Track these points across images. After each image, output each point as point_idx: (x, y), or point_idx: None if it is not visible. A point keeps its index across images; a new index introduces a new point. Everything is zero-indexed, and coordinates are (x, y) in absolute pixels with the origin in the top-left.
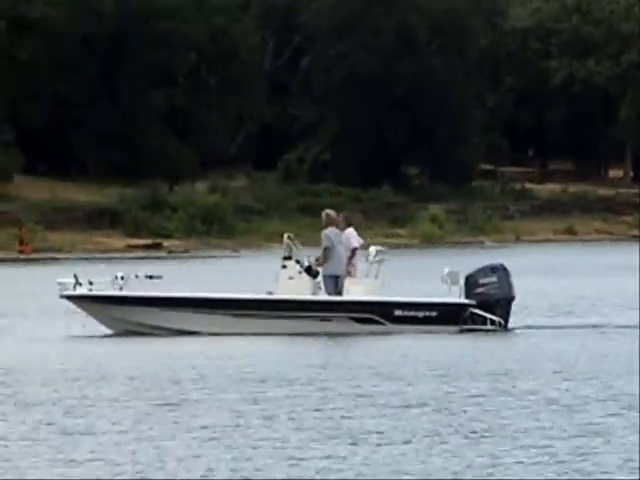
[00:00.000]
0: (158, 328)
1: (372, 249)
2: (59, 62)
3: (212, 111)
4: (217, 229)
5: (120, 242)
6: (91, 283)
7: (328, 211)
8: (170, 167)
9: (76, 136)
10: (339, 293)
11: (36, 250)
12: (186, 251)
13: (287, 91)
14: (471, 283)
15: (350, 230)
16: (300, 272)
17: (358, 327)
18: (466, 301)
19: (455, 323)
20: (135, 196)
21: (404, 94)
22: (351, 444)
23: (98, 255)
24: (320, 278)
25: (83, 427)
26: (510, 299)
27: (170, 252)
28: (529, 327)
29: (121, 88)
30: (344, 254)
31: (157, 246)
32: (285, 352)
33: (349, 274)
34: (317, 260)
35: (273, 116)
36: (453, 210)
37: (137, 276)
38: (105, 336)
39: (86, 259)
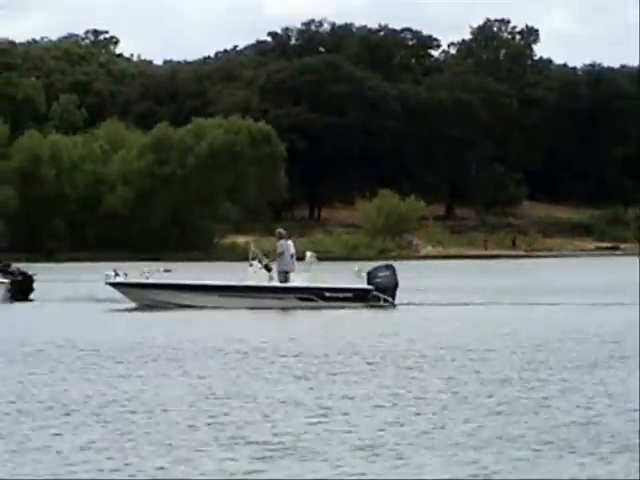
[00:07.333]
0: (172, 304)
1: (308, 253)
2: (554, 130)
3: None
4: None
5: (590, 245)
6: (126, 274)
7: (280, 229)
8: None
9: None
10: (287, 281)
11: (534, 249)
12: None
13: None
14: (372, 275)
15: (290, 241)
16: (261, 268)
17: (301, 304)
18: (370, 287)
19: (364, 301)
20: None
21: None
22: None
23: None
24: (274, 273)
25: None
26: (396, 286)
27: None
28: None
29: None
30: (290, 257)
31: None
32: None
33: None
34: (267, 256)
35: None
36: None
37: (159, 270)
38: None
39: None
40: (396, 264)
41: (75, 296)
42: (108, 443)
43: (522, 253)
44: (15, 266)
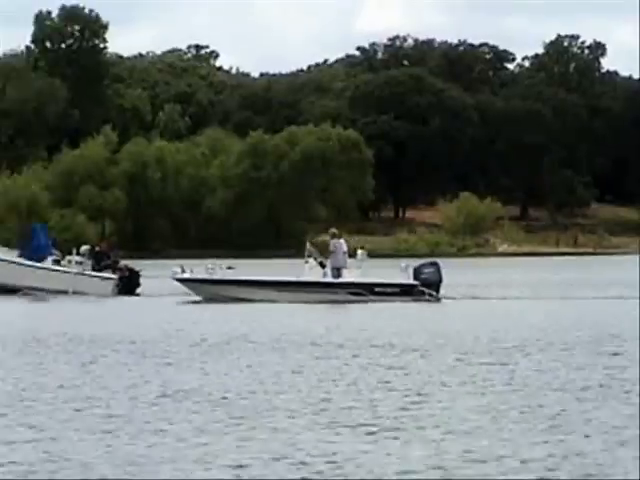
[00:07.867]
0: (232, 298)
1: (359, 252)
2: (619, 137)
3: None
4: None
5: None
6: (192, 271)
7: (333, 230)
8: None
9: None
10: (340, 277)
11: (601, 247)
12: None
13: None
14: (418, 272)
15: (342, 240)
16: (316, 265)
17: (353, 298)
18: (416, 282)
19: (410, 296)
20: None
21: None
22: None
23: None
24: (328, 269)
25: None
26: (440, 281)
27: None
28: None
29: None
30: (342, 255)
31: None
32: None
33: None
34: (323, 255)
35: None
36: None
37: (221, 267)
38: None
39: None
40: (475, 260)
41: (177, 291)
42: (217, 426)
43: (590, 250)
44: (123, 262)
